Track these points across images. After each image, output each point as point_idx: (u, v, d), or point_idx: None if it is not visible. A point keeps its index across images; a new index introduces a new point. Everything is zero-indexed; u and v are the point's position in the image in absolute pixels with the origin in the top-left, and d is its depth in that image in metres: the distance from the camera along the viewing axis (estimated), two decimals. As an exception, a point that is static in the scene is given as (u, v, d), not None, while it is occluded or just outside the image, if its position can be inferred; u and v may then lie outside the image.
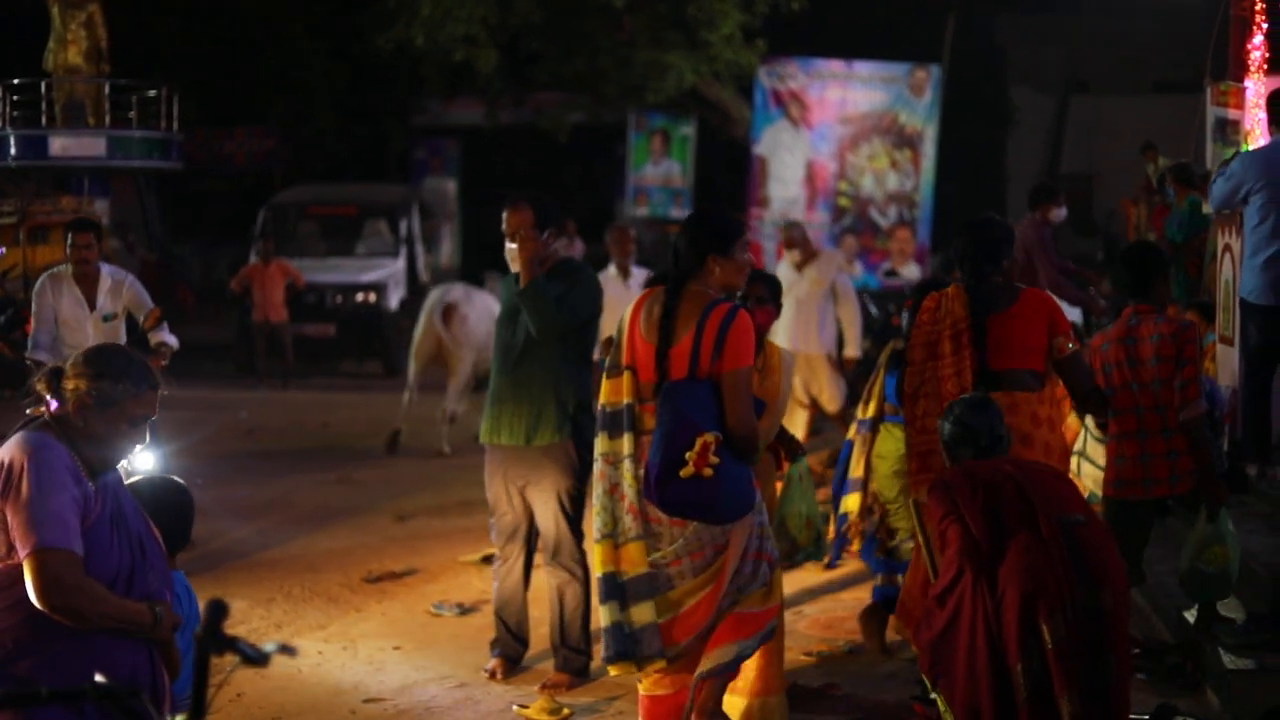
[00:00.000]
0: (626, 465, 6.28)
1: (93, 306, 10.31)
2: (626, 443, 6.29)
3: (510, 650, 8.40)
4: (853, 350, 14.95)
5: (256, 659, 3.81)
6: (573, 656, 8.12)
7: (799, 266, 14.33)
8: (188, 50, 32.26)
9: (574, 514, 8.10)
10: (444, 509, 13.12)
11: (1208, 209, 10.88)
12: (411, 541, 11.88)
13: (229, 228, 33.42)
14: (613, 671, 6.47)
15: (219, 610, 3.81)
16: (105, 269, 10.46)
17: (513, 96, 31.12)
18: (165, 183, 28.36)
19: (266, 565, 11.06)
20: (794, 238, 14.62)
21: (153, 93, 24.95)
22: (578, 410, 7.99)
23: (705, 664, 6.29)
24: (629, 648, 6.30)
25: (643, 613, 6.26)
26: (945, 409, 6.43)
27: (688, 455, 6.01)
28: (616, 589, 6.32)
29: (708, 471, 6.01)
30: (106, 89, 24.25)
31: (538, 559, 8.39)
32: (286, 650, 3.88)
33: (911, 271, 26.13)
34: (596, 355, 8.42)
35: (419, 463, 15.60)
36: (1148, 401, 7.54)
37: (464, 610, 9.76)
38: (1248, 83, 12.97)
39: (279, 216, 25.84)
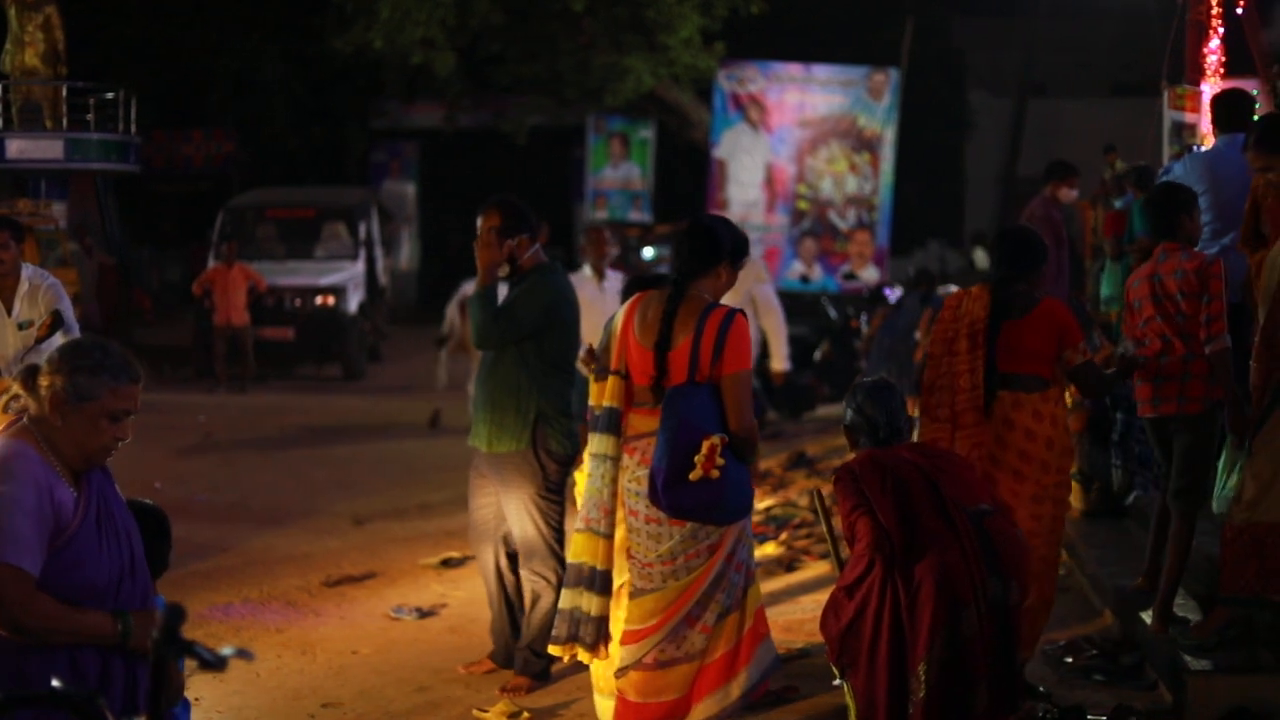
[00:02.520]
0: (607, 466, 6.45)
1: (10, 312, 9.48)
2: (608, 444, 6.46)
3: (496, 655, 8.41)
4: (779, 364, 14.30)
5: (213, 663, 3.80)
6: (533, 660, 8.09)
7: None
8: (145, 53, 32.14)
9: (547, 521, 8.03)
10: (403, 512, 13.10)
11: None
12: (370, 545, 11.86)
13: (187, 231, 33.32)
14: (554, 650, 6.69)
15: (176, 614, 3.79)
16: (26, 271, 9.57)
17: (472, 99, 31.12)
18: (123, 186, 28.23)
19: (224, 569, 11.02)
20: None
21: (110, 95, 24.83)
22: (541, 419, 7.98)
23: (716, 705, 6.38)
24: (575, 631, 6.51)
25: (595, 604, 6.46)
26: (849, 394, 6.55)
27: (696, 459, 6.11)
28: (585, 578, 6.50)
29: (715, 473, 6.12)
30: (64, 91, 24.13)
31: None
32: (243, 655, 3.87)
33: (870, 274, 26.23)
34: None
35: (377, 467, 15.58)
36: (1172, 330, 7.58)
37: (423, 614, 9.74)
38: (1204, 86, 13.05)
39: (237, 219, 25.78)
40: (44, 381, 4.67)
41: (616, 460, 6.44)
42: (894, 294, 20.80)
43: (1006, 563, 5.94)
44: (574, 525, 6.71)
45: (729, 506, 6.27)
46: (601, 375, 6.53)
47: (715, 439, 6.11)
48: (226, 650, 3.82)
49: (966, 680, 5.83)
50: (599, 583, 6.49)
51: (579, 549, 6.57)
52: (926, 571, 5.83)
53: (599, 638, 6.49)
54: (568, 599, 6.59)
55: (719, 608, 6.35)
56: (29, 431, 4.67)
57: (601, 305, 12.44)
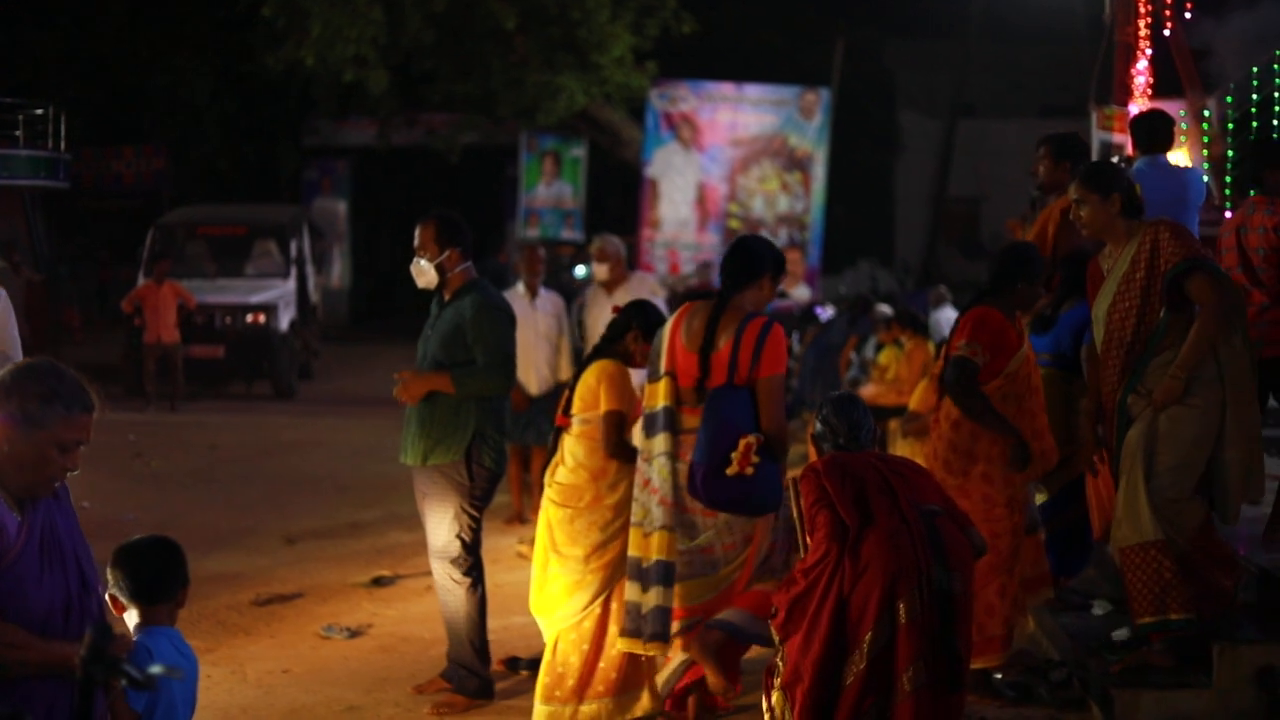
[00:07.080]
0: (661, 461, 6.91)
1: None
2: (661, 441, 6.92)
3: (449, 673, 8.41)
4: None
5: (141, 682, 3.78)
6: (467, 677, 8.07)
7: (607, 287, 12.17)
8: (76, 69, 31.95)
9: (465, 531, 8.06)
10: (333, 531, 13.05)
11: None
12: (301, 564, 11.81)
13: (117, 249, 33.09)
14: (620, 646, 7.10)
15: (104, 634, 3.77)
16: None
17: (404, 117, 31.07)
18: (53, 203, 28.02)
19: (154, 589, 10.93)
20: (606, 251, 12.37)
21: (40, 111, 24.66)
22: (478, 435, 8.01)
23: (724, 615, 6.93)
24: (637, 626, 6.95)
25: (653, 596, 6.88)
26: (818, 407, 6.87)
27: (733, 455, 6.62)
28: (639, 573, 6.97)
29: (749, 470, 6.65)
30: (-8, 107, 23.97)
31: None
32: (172, 674, 3.85)
33: (802, 293, 26.32)
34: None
35: (308, 485, 15.51)
36: (1250, 280, 8.13)
37: (353, 633, 9.70)
38: (1132, 107, 13.18)
39: (168, 237, 25.59)
40: None
41: (674, 456, 6.87)
42: (825, 313, 20.87)
43: (951, 556, 6.19)
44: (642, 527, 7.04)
45: (760, 501, 6.82)
46: (654, 377, 6.99)
47: (751, 438, 6.65)
48: (155, 669, 3.80)
49: (907, 657, 6.08)
50: (658, 575, 6.89)
51: (632, 544, 7.01)
52: (875, 555, 6.11)
53: (658, 629, 6.89)
54: (628, 591, 7.03)
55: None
56: None
57: (533, 322, 12.44)
